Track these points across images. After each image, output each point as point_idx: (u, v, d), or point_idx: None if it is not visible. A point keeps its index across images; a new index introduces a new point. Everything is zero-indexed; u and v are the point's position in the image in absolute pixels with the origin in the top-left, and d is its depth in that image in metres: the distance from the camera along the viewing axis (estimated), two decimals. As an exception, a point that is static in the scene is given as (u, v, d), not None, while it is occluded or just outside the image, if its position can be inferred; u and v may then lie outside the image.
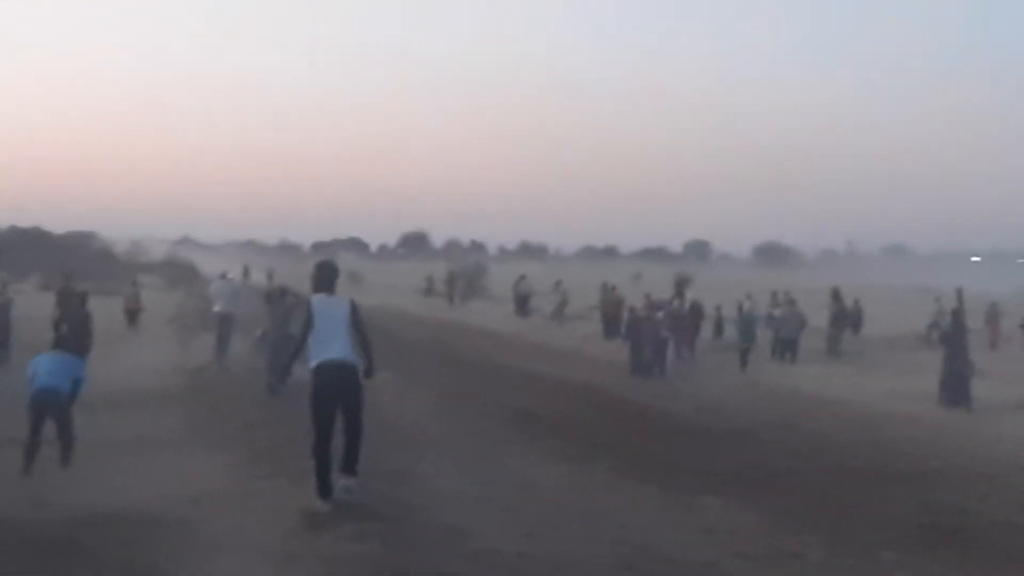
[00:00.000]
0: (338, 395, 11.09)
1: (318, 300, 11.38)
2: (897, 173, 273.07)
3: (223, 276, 28.93)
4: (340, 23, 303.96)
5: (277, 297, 22.80)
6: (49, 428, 13.73)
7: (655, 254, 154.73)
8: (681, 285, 38.06)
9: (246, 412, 18.21)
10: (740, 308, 32.22)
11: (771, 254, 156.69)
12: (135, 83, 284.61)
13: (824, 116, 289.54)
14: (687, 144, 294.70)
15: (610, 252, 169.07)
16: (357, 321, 11.33)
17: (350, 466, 11.25)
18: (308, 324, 11.25)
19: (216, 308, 26.83)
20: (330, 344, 11.10)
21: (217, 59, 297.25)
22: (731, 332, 33.77)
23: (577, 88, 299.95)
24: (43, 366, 13.98)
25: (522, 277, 51.99)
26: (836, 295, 33.67)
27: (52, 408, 13.73)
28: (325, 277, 11.56)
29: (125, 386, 20.36)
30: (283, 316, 21.23)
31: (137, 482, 12.52)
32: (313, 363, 11.12)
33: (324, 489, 11.04)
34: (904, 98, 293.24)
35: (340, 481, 11.16)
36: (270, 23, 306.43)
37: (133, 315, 36.00)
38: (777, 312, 33.19)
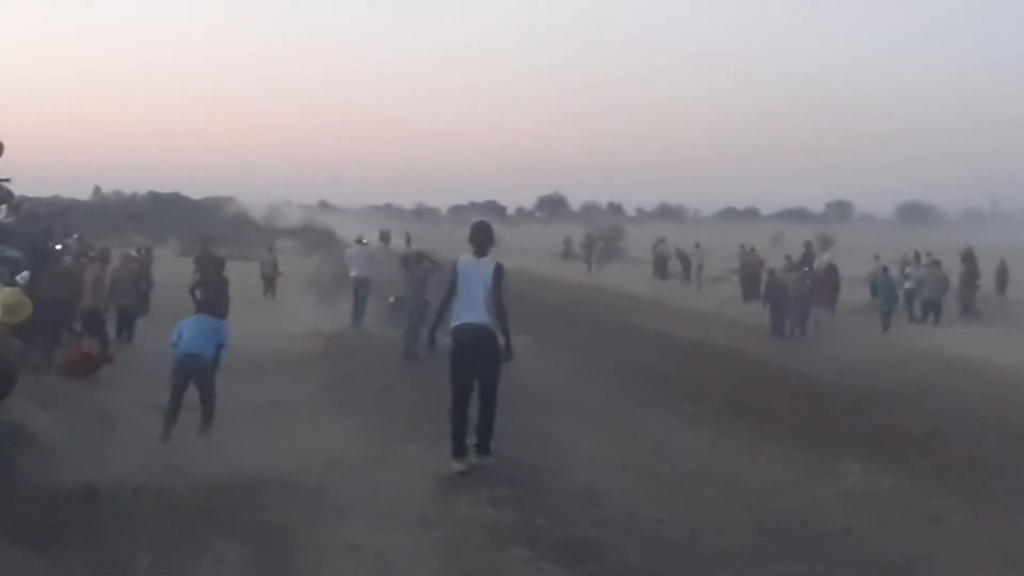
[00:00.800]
0: (476, 359, 11.02)
1: (463, 262, 11.27)
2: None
3: (359, 241, 29.09)
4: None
5: (414, 262, 22.74)
6: (190, 394, 13.87)
7: (796, 215, 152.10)
8: (810, 247, 37.40)
9: (382, 377, 18.29)
10: (884, 269, 31.57)
11: (914, 214, 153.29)
12: (272, 50, 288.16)
13: (969, 75, 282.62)
14: (829, 104, 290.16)
15: (750, 213, 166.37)
16: (497, 286, 11.10)
17: (483, 445, 11.20)
18: (452, 286, 11.21)
19: (352, 273, 27.01)
20: (470, 307, 11.02)
21: (354, 26, 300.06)
22: (861, 294, 33.19)
23: (716, 54, 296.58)
24: (188, 330, 14.07)
25: (661, 239, 51.67)
26: (966, 256, 32.79)
27: (197, 373, 13.85)
28: (475, 239, 11.35)
29: (262, 351, 20.52)
30: (420, 281, 21.21)
31: (272, 447, 12.58)
32: (453, 325, 11.09)
33: (459, 449, 11.02)
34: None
35: (472, 459, 11.10)
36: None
37: (270, 280, 36.01)
38: (911, 271, 32.53)
